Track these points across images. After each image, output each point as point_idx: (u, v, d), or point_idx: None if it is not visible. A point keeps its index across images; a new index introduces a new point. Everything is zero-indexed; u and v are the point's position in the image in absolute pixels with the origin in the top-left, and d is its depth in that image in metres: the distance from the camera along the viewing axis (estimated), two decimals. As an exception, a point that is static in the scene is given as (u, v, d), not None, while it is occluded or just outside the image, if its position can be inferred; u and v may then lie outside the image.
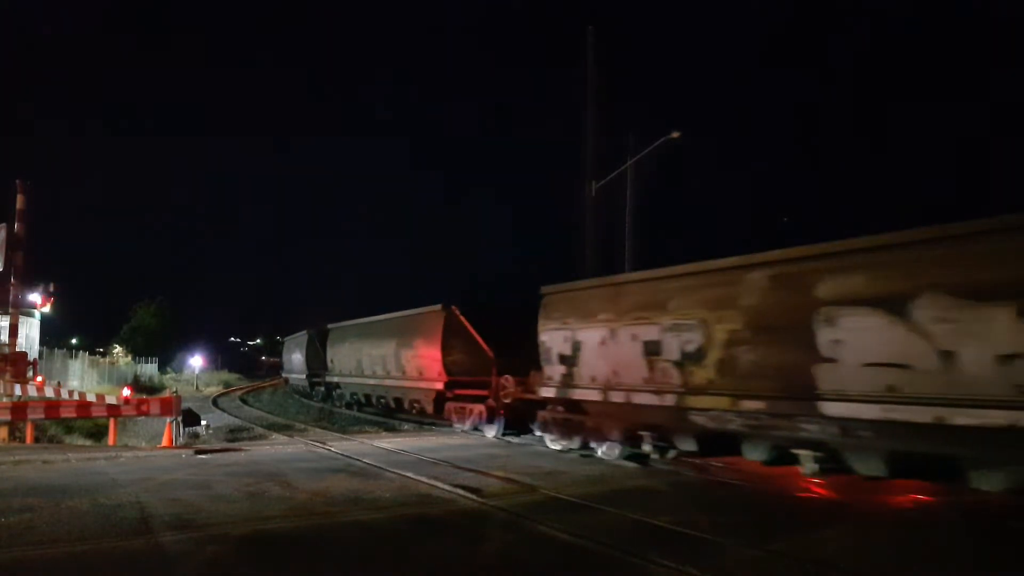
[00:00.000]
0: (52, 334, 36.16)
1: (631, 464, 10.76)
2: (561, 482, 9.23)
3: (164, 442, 13.79)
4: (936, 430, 6.96)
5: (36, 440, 14.32)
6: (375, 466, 10.48)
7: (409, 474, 9.67)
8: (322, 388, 28.51)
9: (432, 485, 8.90)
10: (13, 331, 18.57)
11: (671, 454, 10.78)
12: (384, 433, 16.91)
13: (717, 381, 9.46)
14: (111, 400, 14.27)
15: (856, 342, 7.72)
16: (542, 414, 13.17)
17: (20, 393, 15.19)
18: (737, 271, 9.45)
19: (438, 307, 18.11)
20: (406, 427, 18.75)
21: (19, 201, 17.83)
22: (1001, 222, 6.91)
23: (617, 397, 11.15)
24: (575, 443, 12.32)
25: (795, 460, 8.66)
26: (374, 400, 22.96)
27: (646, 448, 10.90)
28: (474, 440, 14.40)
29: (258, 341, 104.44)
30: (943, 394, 6.90)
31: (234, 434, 18.34)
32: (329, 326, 27.54)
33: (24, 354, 19.40)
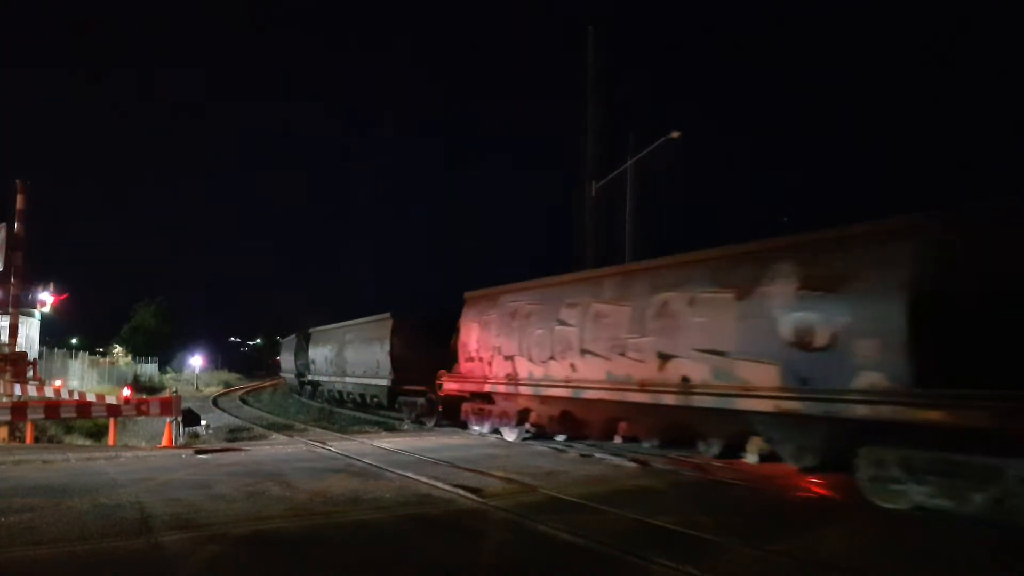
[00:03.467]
0: (52, 334, 36.21)
1: (631, 464, 10.78)
2: (561, 482, 9.24)
3: (164, 442, 13.79)
4: (364, 385, 23.77)
5: (36, 440, 14.33)
6: (375, 466, 10.49)
7: (409, 474, 9.67)
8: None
9: (432, 485, 8.91)
10: (13, 331, 18.59)
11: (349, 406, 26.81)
12: (384, 433, 16.93)
13: (343, 370, 25.49)
14: (111, 400, 14.28)
15: (353, 357, 24.52)
16: (311, 389, 32.08)
17: (20, 393, 15.20)
18: (356, 326, 24.58)
19: (294, 338, 34.69)
20: (406, 427, 18.80)
21: (19, 201, 17.84)
22: (370, 319, 23.61)
23: (319, 379, 29.60)
24: (321, 400, 29.58)
25: (376, 402, 23.33)
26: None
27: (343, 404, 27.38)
28: (474, 440, 14.42)
29: (258, 341, 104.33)
30: (363, 374, 23.49)
31: (234, 434, 18.38)
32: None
33: (24, 354, 19.43)
